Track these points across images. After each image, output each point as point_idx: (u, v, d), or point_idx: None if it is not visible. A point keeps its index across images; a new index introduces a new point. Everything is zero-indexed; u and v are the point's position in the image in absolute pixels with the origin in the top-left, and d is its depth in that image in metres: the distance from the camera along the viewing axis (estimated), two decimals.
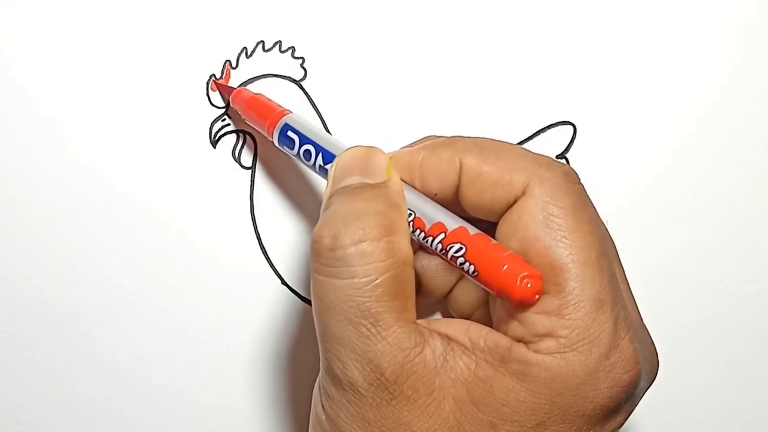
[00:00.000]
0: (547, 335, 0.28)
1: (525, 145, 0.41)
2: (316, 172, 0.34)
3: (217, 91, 0.39)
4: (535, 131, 0.41)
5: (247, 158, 0.40)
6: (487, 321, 0.33)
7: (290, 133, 0.35)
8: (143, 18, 0.39)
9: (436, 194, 0.31)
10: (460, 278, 0.35)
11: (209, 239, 0.40)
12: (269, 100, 0.37)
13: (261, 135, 0.39)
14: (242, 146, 0.40)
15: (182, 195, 0.39)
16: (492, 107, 0.41)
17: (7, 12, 0.38)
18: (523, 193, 0.29)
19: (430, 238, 0.30)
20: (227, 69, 0.39)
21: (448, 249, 0.30)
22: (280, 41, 0.39)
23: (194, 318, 0.40)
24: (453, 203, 0.31)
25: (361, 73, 0.40)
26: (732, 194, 0.42)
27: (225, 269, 0.40)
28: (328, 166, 0.33)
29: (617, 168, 0.41)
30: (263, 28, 0.39)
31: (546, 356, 0.28)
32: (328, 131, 0.40)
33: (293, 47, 0.39)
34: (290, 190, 0.40)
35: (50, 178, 0.39)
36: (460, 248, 0.29)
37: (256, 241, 0.40)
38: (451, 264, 0.30)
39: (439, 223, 0.30)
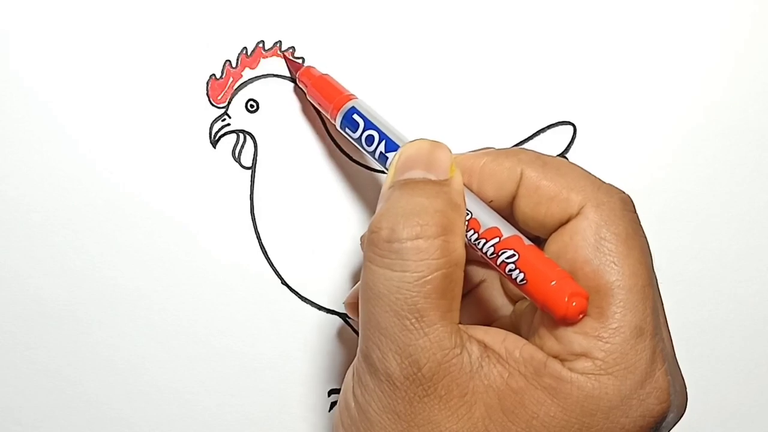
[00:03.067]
0: (584, 355, 0.28)
1: (525, 145, 0.41)
2: (374, 159, 0.35)
3: (219, 91, 0.39)
4: (535, 131, 0.41)
5: (247, 158, 0.40)
6: (510, 329, 0.33)
7: (355, 116, 0.35)
8: (143, 18, 0.39)
9: (491, 201, 0.31)
10: (483, 281, 0.35)
11: (209, 239, 0.40)
12: (337, 82, 0.38)
13: (261, 135, 0.39)
14: (242, 146, 0.40)
15: (182, 195, 0.39)
16: (492, 107, 0.41)
17: (7, 12, 0.38)
18: (578, 214, 0.30)
19: (483, 240, 0.30)
20: (227, 69, 0.39)
21: (499, 254, 0.30)
22: (280, 41, 0.39)
23: (194, 318, 0.40)
24: (507, 214, 0.31)
25: (361, 73, 0.40)
26: (732, 194, 0.42)
27: (225, 269, 0.40)
28: (389, 155, 0.34)
29: (617, 168, 0.41)
30: (263, 28, 0.39)
31: (580, 376, 0.28)
32: (328, 131, 0.40)
33: (293, 47, 0.39)
34: (290, 190, 0.40)
35: (50, 178, 0.39)
36: (513, 255, 0.30)
37: (256, 241, 0.40)
38: (500, 270, 0.30)
39: (495, 227, 0.30)
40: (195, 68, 0.39)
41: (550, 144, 0.41)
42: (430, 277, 0.28)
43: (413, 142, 0.32)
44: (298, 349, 0.41)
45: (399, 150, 0.32)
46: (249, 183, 0.40)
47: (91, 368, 0.40)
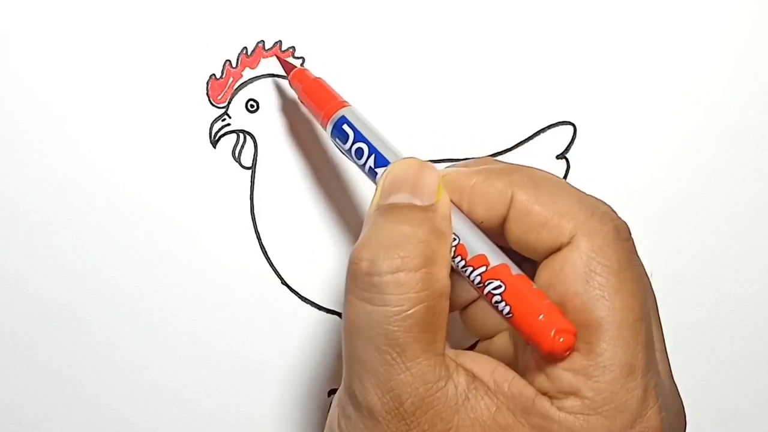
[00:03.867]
0: (573, 394, 0.27)
1: (525, 145, 0.41)
2: (364, 172, 0.33)
3: (219, 91, 0.39)
4: (535, 131, 0.41)
5: (247, 158, 0.40)
6: (506, 350, 0.33)
7: (345, 127, 0.34)
8: (143, 18, 0.39)
9: (482, 222, 0.30)
10: (479, 298, 0.34)
11: (209, 239, 0.40)
12: (330, 87, 0.36)
13: (261, 135, 0.39)
14: (242, 146, 0.40)
15: (182, 195, 0.39)
16: (492, 107, 0.41)
17: (7, 11, 0.38)
18: (569, 243, 0.28)
19: (470, 269, 0.29)
20: (227, 69, 0.39)
21: (486, 284, 0.29)
22: (280, 41, 0.39)
23: (194, 318, 0.40)
24: (497, 234, 0.30)
25: (361, 73, 0.40)
26: (732, 194, 0.42)
27: (225, 269, 0.40)
28: (378, 170, 0.32)
29: (617, 168, 0.41)
30: (263, 28, 0.39)
31: (569, 415, 0.27)
32: None
33: (293, 47, 0.39)
34: (290, 190, 0.40)
35: (50, 178, 0.39)
36: (499, 286, 0.29)
37: (256, 241, 0.40)
38: (486, 299, 0.29)
39: (482, 255, 0.29)
40: (195, 68, 0.39)
41: (550, 144, 0.41)
42: (411, 311, 0.27)
43: (401, 161, 0.31)
44: (298, 349, 0.41)
45: (386, 169, 0.31)
46: (249, 183, 0.40)
47: (91, 368, 0.40)
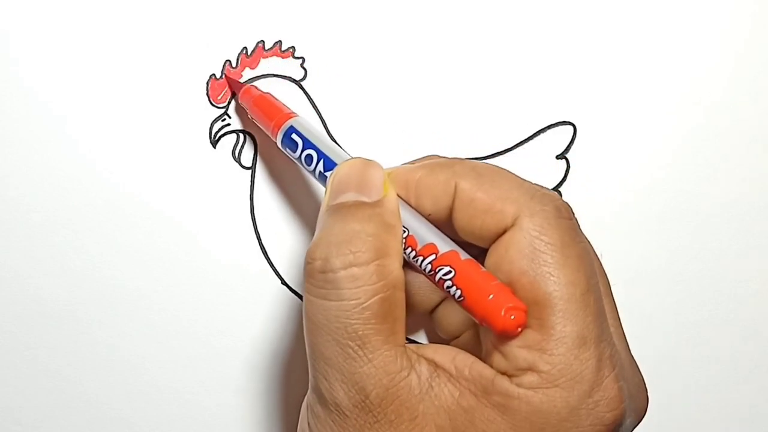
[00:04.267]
0: (529, 369, 0.28)
1: (525, 145, 0.41)
2: (315, 178, 0.34)
3: (219, 91, 0.39)
4: (535, 131, 0.41)
5: (247, 158, 0.40)
6: (475, 345, 0.33)
7: (294, 136, 0.35)
8: (143, 18, 0.39)
9: (430, 214, 0.31)
10: (447, 297, 0.35)
11: (209, 239, 0.40)
12: (277, 100, 0.37)
13: (261, 135, 0.39)
14: (242, 146, 0.40)
15: (182, 195, 0.39)
16: (492, 107, 0.41)
17: (7, 12, 0.38)
18: (513, 225, 0.29)
19: (420, 258, 0.30)
20: (227, 69, 0.39)
21: (437, 271, 0.30)
22: (280, 41, 0.39)
23: (194, 318, 0.40)
24: (446, 225, 0.31)
25: (361, 73, 0.40)
26: (732, 194, 0.42)
27: (225, 269, 0.40)
28: (328, 173, 0.33)
29: (617, 168, 0.41)
30: (263, 28, 0.39)
31: (528, 390, 0.28)
32: (329, 131, 0.40)
33: (293, 47, 0.39)
34: (290, 190, 0.40)
35: (50, 178, 0.39)
36: (449, 272, 0.30)
37: (256, 241, 0.40)
38: (438, 286, 0.30)
39: (431, 243, 0.30)
40: (195, 68, 0.39)
41: (550, 144, 0.41)
42: (367, 303, 0.28)
43: (346, 162, 0.32)
44: (298, 349, 0.41)
45: (332, 171, 0.32)
46: (249, 183, 0.40)
47: (91, 368, 0.40)
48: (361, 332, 0.28)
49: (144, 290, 0.40)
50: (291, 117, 0.36)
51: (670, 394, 0.43)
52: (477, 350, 0.31)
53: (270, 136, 0.36)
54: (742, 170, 0.42)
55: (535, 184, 0.31)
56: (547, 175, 0.41)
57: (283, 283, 0.40)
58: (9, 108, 0.38)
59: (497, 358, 0.29)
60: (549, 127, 0.41)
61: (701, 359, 0.43)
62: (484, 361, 0.29)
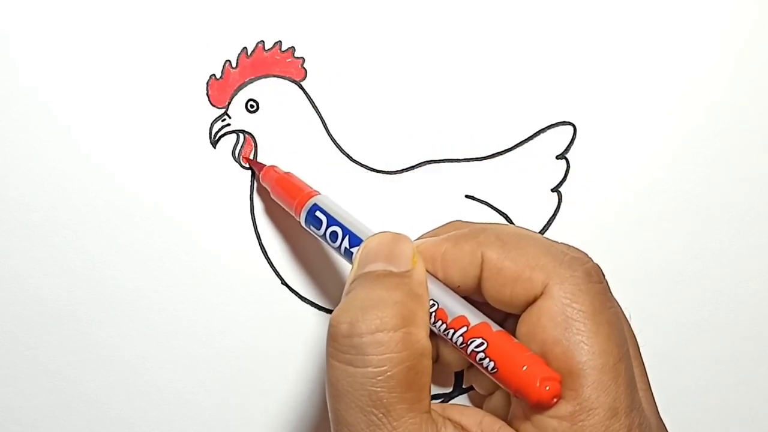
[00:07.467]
0: None
1: (525, 145, 0.41)
2: (340, 254, 0.35)
3: (224, 87, 0.39)
4: (535, 131, 0.41)
5: None
6: (506, 405, 0.33)
7: (318, 213, 0.35)
8: (143, 18, 0.39)
9: (458, 286, 0.31)
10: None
11: (209, 239, 0.40)
12: (298, 179, 0.38)
13: (261, 135, 0.39)
14: (242, 146, 0.40)
15: (182, 195, 0.39)
16: (492, 107, 0.41)
17: (7, 12, 0.38)
18: (543, 293, 0.29)
19: (452, 331, 0.30)
20: (227, 69, 0.39)
21: (468, 343, 0.30)
22: (280, 41, 0.39)
23: (194, 318, 0.40)
24: (476, 295, 0.31)
25: (362, 73, 0.40)
26: (732, 194, 0.42)
27: (225, 269, 0.40)
28: (353, 249, 0.33)
29: (617, 168, 0.41)
30: (263, 28, 0.39)
31: None
32: (329, 131, 0.40)
33: (293, 47, 0.39)
34: None
35: (50, 178, 0.39)
36: (482, 343, 0.30)
37: (256, 241, 0.40)
38: (471, 359, 0.30)
39: (462, 316, 0.30)
40: (195, 68, 0.39)
41: (550, 144, 0.41)
42: (393, 371, 0.28)
43: (375, 235, 0.32)
44: (298, 349, 0.41)
45: (362, 243, 0.32)
46: (249, 183, 0.40)
47: (91, 368, 0.40)
48: (385, 400, 0.28)
49: (144, 290, 0.40)
50: (313, 195, 0.36)
51: (670, 394, 0.43)
52: (507, 411, 0.31)
53: (293, 215, 0.37)
54: (742, 170, 0.42)
55: (562, 244, 0.31)
56: (547, 175, 0.41)
57: (283, 283, 0.40)
58: (9, 108, 0.38)
59: (526, 426, 0.29)
60: (549, 127, 0.41)
61: (701, 359, 0.43)
62: (512, 425, 0.29)
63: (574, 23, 0.41)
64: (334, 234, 0.35)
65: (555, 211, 0.41)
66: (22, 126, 0.39)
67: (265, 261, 0.40)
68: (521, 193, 0.41)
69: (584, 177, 0.41)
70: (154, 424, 0.40)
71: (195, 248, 0.40)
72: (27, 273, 0.39)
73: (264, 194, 0.40)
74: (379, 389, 0.28)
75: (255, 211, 0.40)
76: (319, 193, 0.37)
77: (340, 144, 0.40)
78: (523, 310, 0.30)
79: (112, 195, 0.39)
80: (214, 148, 0.39)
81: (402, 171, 0.40)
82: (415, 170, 0.40)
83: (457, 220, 0.35)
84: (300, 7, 0.39)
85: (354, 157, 0.40)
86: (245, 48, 0.39)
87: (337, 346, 0.29)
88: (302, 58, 0.39)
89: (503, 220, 0.41)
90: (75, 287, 0.39)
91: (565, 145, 0.41)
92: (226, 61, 0.39)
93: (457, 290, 0.31)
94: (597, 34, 0.41)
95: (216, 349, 0.40)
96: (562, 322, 0.28)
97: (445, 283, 0.31)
